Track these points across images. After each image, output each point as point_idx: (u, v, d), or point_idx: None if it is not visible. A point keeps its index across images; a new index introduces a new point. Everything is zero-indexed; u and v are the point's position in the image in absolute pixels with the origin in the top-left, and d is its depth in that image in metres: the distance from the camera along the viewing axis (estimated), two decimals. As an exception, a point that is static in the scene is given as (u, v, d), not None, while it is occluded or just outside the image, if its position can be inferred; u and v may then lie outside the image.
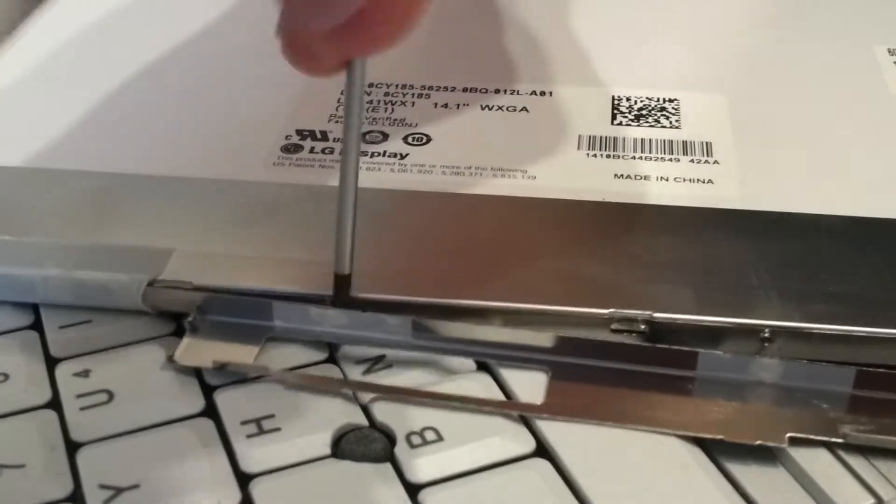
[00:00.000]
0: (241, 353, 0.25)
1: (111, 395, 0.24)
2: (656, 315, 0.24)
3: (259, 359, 0.25)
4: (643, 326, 0.24)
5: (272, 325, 0.25)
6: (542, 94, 0.33)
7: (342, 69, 0.24)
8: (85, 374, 0.25)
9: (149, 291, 0.26)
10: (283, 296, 0.25)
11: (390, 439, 0.23)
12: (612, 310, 0.25)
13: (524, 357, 0.25)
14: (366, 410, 0.24)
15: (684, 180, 0.29)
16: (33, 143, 0.31)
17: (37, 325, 0.26)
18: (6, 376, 0.25)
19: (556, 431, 0.23)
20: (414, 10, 0.22)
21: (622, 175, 0.30)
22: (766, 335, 0.24)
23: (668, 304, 0.25)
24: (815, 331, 0.24)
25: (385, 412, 0.24)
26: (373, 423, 0.23)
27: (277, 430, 0.23)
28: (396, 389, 0.24)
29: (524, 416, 0.23)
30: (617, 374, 0.24)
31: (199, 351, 0.25)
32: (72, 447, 0.23)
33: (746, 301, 0.25)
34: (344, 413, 0.24)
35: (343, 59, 0.23)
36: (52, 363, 0.25)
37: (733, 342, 0.24)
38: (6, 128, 0.33)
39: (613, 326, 0.24)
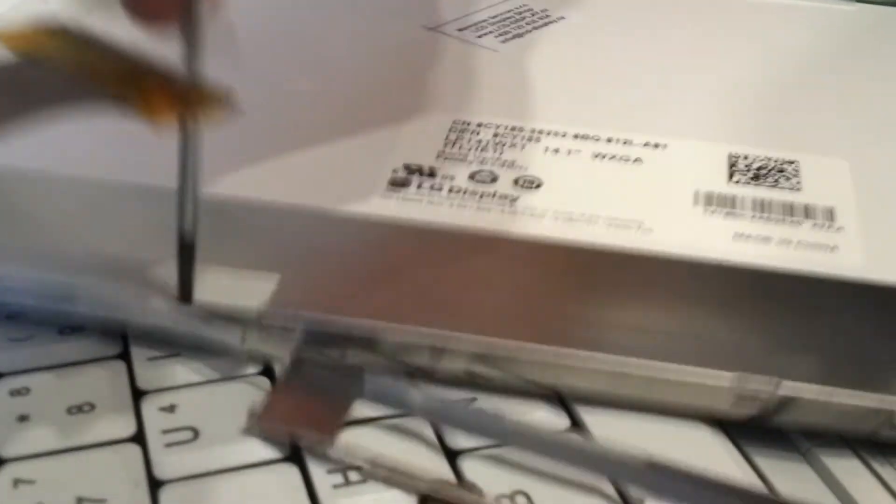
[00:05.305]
0: (326, 418, 0.24)
1: (196, 433, 0.23)
2: (785, 383, 0.23)
3: (344, 433, 0.24)
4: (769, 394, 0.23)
5: (362, 393, 0.24)
6: (657, 146, 0.32)
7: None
8: (171, 409, 0.24)
9: (249, 338, 0.25)
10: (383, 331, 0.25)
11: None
12: (737, 372, 0.23)
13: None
14: (456, 470, 0.23)
15: (807, 245, 0.28)
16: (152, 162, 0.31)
17: (124, 356, 0.26)
18: (92, 406, 0.24)
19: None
20: None
21: (742, 235, 0.28)
22: None
23: (793, 376, 0.23)
24: None
25: (475, 471, 0.23)
26: (461, 481, 0.23)
27: (363, 482, 0.22)
28: None
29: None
30: None
31: (283, 412, 0.24)
32: (155, 484, 0.22)
33: (875, 379, 0.23)
34: (433, 469, 0.23)
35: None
36: (137, 395, 0.25)
37: (861, 421, 0.23)
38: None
39: (737, 391, 0.23)
